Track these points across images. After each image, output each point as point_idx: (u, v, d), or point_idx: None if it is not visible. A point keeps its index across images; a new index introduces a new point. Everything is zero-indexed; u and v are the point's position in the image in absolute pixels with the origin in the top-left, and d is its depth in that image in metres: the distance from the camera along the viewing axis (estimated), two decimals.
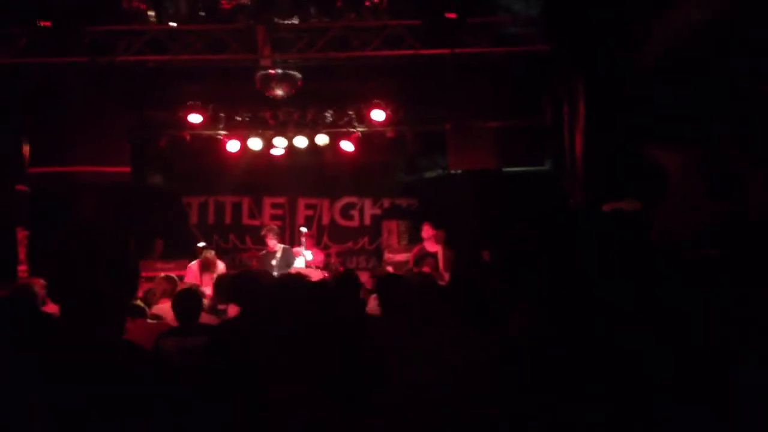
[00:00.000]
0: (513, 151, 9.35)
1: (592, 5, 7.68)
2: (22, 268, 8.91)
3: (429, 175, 11.44)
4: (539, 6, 8.41)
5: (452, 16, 7.91)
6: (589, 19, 7.64)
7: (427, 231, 9.28)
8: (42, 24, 8.03)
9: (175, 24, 8.16)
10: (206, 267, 8.90)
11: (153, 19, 8.17)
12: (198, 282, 8.48)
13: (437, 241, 9.26)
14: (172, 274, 8.10)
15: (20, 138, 9.31)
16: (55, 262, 2.03)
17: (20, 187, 9.29)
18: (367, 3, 8.07)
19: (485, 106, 9.28)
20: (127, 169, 9.46)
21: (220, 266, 9.05)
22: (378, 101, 10.00)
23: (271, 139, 10.60)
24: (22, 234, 8.81)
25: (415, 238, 10.21)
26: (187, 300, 5.06)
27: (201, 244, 9.54)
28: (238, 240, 11.81)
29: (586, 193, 7.95)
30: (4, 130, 9.11)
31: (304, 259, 9.81)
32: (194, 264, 9.00)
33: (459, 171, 10.27)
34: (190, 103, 9.89)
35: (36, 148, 9.28)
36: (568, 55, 8.05)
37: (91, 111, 9.15)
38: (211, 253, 9.09)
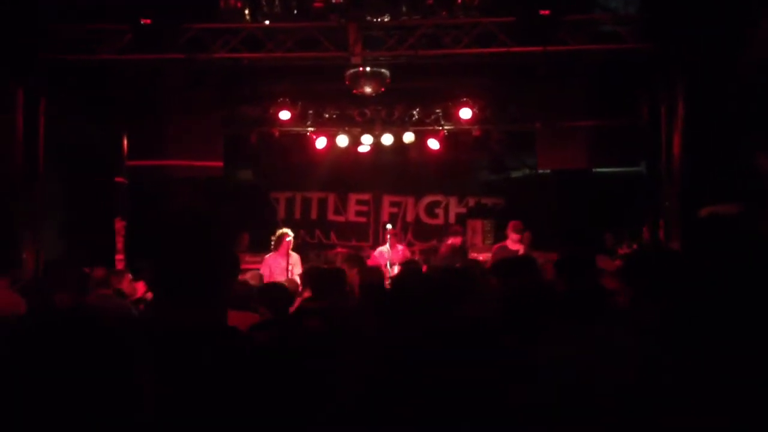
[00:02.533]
0: (605, 151, 9.13)
1: (693, 3, 7.41)
2: (119, 257, 9.28)
3: (516, 174, 11.29)
4: (637, 3, 8.15)
5: (546, 13, 7.75)
6: (690, 16, 7.37)
7: (513, 230, 9.10)
8: (143, 22, 8.32)
9: (268, 22, 8.30)
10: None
11: (248, 18, 8.33)
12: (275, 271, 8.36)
13: (523, 242, 9.11)
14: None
15: (120, 132, 9.70)
16: (160, 247, 2.06)
17: (119, 179, 9.68)
18: (459, 0, 8.00)
19: (577, 105, 9.09)
20: (220, 164, 9.74)
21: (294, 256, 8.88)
22: (466, 99, 9.94)
23: (358, 136, 10.70)
24: (120, 224, 9.17)
25: (501, 238, 10.07)
26: (276, 293, 5.12)
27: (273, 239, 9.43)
28: (323, 235, 11.95)
29: (682, 195, 7.67)
30: (106, 124, 9.52)
31: (386, 256, 9.81)
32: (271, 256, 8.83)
33: (547, 171, 10.11)
34: (279, 100, 10.08)
35: (134, 141, 9.64)
36: (667, 53, 7.77)
37: (187, 107, 9.45)
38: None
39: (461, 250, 9.44)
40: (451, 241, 9.56)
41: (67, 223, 9.04)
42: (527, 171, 10.93)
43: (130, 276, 6.74)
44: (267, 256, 8.63)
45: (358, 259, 6.98)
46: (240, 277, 6.82)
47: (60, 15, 8.32)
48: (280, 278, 7.72)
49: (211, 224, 2.10)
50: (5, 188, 8.03)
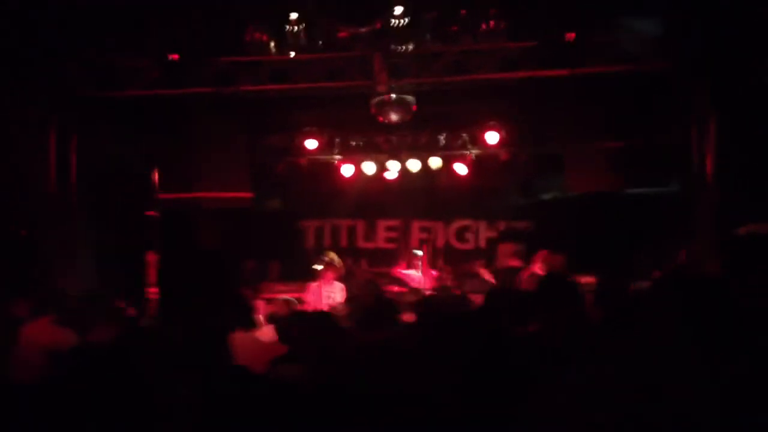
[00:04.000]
0: (635, 172, 9.04)
1: (719, 21, 7.33)
2: (153, 290, 9.33)
3: (545, 197, 11.18)
4: (662, 23, 8.08)
5: (572, 36, 7.72)
6: (717, 34, 7.29)
7: (542, 260, 8.86)
8: (170, 57, 8.47)
9: (293, 53, 8.38)
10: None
11: (273, 50, 8.42)
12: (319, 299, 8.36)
13: (554, 266, 8.95)
14: (290, 297, 8.26)
15: (151, 165, 9.83)
16: (172, 284, 2.09)
17: (150, 212, 9.78)
18: (483, 26, 8.00)
19: (605, 125, 9.02)
20: (249, 194, 9.80)
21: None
22: (492, 123, 9.93)
23: (385, 162, 10.72)
24: (152, 257, 9.24)
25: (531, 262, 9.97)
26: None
27: (318, 267, 9.59)
28: (353, 263, 11.93)
29: (717, 216, 7.52)
30: (137, 157, 9.65)
31: (416, 279, 9.76)
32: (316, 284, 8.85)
33: (577, 193, 10.01)
34: (306, 129, 10.15)
35: (165, 174, 9.76)
36: (696, 72, 7.68)
37: (215, 139, 9.57)
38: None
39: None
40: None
41: (100, 256, 9.14)
42: (557, 193, 10.83)
43: None
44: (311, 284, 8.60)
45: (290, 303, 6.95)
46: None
47: (89, 52, 8.50)
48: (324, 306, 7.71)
49: (220, 266, 2.13)
50: (40, 223, 8.17)
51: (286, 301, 7.77)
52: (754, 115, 7.25)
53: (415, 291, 9.09)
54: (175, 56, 8.45)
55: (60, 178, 8.45)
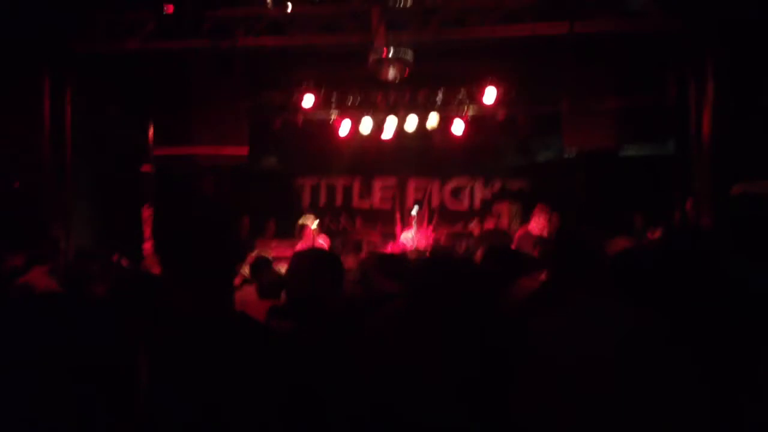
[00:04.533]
0: (633, 131, 9.01)
1: None
2: (148, 245, 9.34)
3: (542, 157, 11.17)
4: None
5: None
6: None
7: (539, 213, 8.95)
8: (166, 10, 8.35)
9: (290, 6, 8.27)
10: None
11: (270, 3, 8.31)
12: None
13: (549, 225, 8.99)
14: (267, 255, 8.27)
15: (146, 121, 9.77)
16: (173, 235, 2.10)
17: (146, 167, 9.76)
18: None
19: (603, 84, 8.97)
20: (245, 151, 9.75)
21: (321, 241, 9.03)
22: (489, 82, 9.87)
23: (382, 120, 10.66)
24: (147, 212, 9.23)
25: (527, 222, 9.99)
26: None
27: (315, 224, 9.58)
28: (348, 222, 11.95)
29: (713, 175, 7.54)
30: (132, 113, 9.59)
31: (411, 241, 9.80)
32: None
33: (573, 154, 10.00)
34: (303, 85, 10.08)
35: (160, 130, 9.70)
36: (696, 30, 7.62)
37: (212, 94, 9.49)
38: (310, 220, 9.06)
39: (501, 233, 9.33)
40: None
41: (95, 211, 9.14)
42: (553, 154, 10.81)
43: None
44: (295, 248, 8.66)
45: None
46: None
47: (83, 4, 8.38)
48: None
49: (219, 213, 2.13)
50: (34, 177, 8.14)
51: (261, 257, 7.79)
52: (753, 75, 7.23)
53: (417, 251, 9.18)
54: (171, 9, 8.33)
55: (54, 133, 8.38)
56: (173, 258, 2.10)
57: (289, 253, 9.10)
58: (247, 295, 4.80)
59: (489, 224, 9.70)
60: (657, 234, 8.01)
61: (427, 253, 9.24)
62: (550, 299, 2.95)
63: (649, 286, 2.03)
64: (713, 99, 7.62)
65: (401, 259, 4.65)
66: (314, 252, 3.98)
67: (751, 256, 2.47)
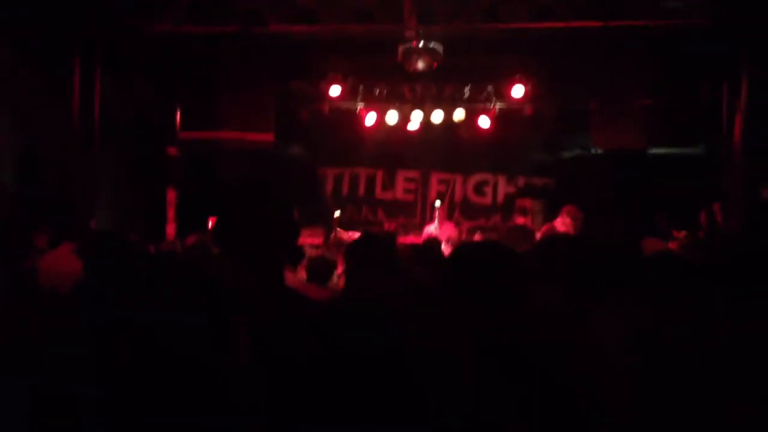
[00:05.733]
0: (662, 131, 8.92)
1: None
2: (171, 227, 9.41)
3: (568, 154, 11.08)
4: None
5: None
6: None
7: (566, 214, 8.82)
8: None
9: None
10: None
11: None
12: None
13: (575, 223, 8.90)
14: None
15: (174, 104, 9.81)
16: (228, 213, 2.11)
17: (171, 150, 9.81)
18: None
19: (635, 83, 8.89)
20: (271, 137, 9.77)
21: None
22: (518, 77, 9.81)
23: (408, 113, 10.64)
24: (172, 194, 9.29)
25: (550, 219, 9.91)
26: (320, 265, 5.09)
27: (337, 214, 9.66)
28: (370, 213, 11.94)
29: (744, 177, 7.45)
30: (161, 95, 9.63)
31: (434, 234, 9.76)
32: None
33: (600, 151, 9.91)
34: (330, 75, 10.07)
35: (187, 113, 9.74)
36: (732, 30, 7.53)
37: (241, 80, 9.51)
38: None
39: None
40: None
41: (121, 192, 9.19)
42: (580, 151, 10.73)
43: None
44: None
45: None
46: None
47: None
48: None
49: (275, 192, 2.14)
50: (62, 156, 8.19)
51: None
52: None
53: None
54: None
55: (83, 113, 8.43)
56: (237, 242, 2.12)
57: (310, 240, 9.18)
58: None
59: (519, 220, 9.60)
60: (682, 235, 7.92)
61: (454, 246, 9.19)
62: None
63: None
64: (746, 100, 7.53)
65: (436, 248, 4.63)
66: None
67: None
